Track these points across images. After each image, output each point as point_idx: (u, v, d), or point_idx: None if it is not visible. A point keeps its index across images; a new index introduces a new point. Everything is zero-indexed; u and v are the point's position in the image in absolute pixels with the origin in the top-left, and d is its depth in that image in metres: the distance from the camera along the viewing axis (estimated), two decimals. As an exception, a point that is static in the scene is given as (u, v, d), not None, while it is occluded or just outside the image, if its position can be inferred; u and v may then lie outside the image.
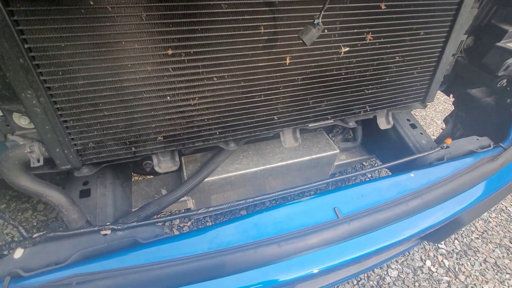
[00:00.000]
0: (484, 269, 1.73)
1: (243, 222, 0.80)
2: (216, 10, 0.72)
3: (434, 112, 3.31)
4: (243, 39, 0.78)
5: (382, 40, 0.95)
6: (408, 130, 1.45)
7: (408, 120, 1.51)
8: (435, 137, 2.24)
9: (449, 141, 1.21)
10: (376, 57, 0.98)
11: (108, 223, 0.79)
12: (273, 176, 1.49)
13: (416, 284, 1.63)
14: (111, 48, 0.69)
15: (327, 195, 0.91)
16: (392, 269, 1.70)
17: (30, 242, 0.75)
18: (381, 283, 1.63)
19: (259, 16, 0.76)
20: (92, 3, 0.62)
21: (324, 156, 1.49)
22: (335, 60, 0.93)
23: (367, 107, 1.10)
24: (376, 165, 2.19)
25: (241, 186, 1.46)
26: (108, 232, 0.79)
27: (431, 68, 1.11)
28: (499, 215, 2.08)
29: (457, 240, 1.89)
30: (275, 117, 0.97)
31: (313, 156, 1.47)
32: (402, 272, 1.69)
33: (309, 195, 0.91)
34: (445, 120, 2.04)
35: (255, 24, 0.77)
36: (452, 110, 1.96)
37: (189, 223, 1.93)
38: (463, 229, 1.96)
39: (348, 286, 1.58)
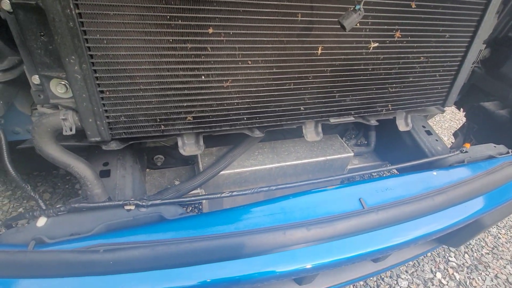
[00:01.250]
0: (495, 284, 1.69)
1: (270, 206, 0.79)
2: (257, -6, 0.74)
3: (441, 129, 3.34)
4: (280, 25, 0.80)
5: (409, 38, 0.97)
6: (424, 136, 1.46)
7: (424, 126, 1.52)
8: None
9: (468, 145, 1.22)
10: (402, 55, 1.00)
11: (132, 199, 0.78)
12: (287, 176, 1.48)
13: (427, 296, 1.59)
14: (155, 22, 0.70)
15: (352, 186, 0.90)
16: (402, 279, 1.66)
17: (54, 212, 0.73)
18: (391, 292, 1.58)
19: (297, 3, 0.79)
20: None
21: (339, 158, 1.49)
22: (364, 55, 0.95)
23: (389, 105, 1.11)
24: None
25: (255, 184, 1.45)
26: (132, 207, 0.77)
27: (452, 72, 1.14)
28: (509, 232, 2.06)
29: (467, 254, 1.86)
30: (302, 108, 0.98)
31: (328, 157, 1.46)
32: (412, 283, 1.65)
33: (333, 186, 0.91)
34: (455, 134, 2.06)
35: (293, 11, 0.79)
36: (459, 126, 1.99)
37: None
38: (473, 243, 1.93)
39: (357, 294, 1.54)
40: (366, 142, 1.76)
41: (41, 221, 0.72)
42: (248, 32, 0.78)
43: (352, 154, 1.51)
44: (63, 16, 0.62)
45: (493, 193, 0.97)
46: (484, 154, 1.18)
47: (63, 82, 0.75)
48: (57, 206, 0.75)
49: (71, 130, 0.75)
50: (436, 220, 0.86)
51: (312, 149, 1.52)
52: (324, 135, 1.64)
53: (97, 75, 0.72)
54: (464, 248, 1.90)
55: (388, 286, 1.61)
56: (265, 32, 0.80)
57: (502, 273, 1.76)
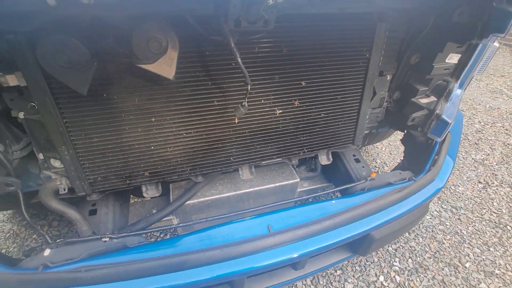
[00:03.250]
0: (431, 285, 1.97)
1: (200, 235, 1.14)
2: (183, 94, 1.12)
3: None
4: (203, 109, 1.18)
5: (307, 104, 1.33)
6: (353, 164, 1.79)
7: (354, 155, 1.85)
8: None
9: (373, 174, 1.55)
10: (305, 115, 1.36)
11: (107, 233, 1.15)
12: (243, 200, 1.82)
13: (368, 296, 1.89)
14: (116, 120, 1.09)
15: (265, 216, 1.25)
16: (349, 282, 1.96)
17: (55, 245, 1.11)
18: (337, 294, 1.88)
19: (212, 95, 1.16)
20: (105, 95, 1.03)
21: (287, 184, 1.83)
22: (273, 118, 1.31)
23: (305, 149, 1.46)
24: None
25: (217, 208, 1.80)
26: (107, 239, 1.14)
27: (353, 120, 1.48)
28: (453, 237, 2.33)
29: (411, 258, 2.15)
30: (231, 158, 1.34)
31: (277, 184, 1.80)
32: (357, 285, 1.95)
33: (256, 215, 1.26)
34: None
35: (209, 99, 1.16)
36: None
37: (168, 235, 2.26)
38: (418, 248, 2.22)
39: (308, 296, 1.85)
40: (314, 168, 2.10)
41: (47, 252, 1.09)
42: (180, 117, 1.16)
43: (298, 180, 1.84)
44: (55, 125, 1.01)
45: (376, 216, 1.30)
46: (384, 182, 1.50)
47: (58, 159, 1.14)
48: (57, 241, 1.13)
49: (64, 190, 1.13)
50: (324, 239, 1.19)
51: (265, 177, 1.86)
52: (277, 164, 1.99)
53: (80, 154, 1.10)
54: (409, 253, 2.19)
55: (335, 289, 1.92)
56: (192, 114, 1.17)
57: (439, 275, 2.04)
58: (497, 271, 2.08)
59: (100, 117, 1.07)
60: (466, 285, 1.98)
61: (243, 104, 1.05)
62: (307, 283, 1.97)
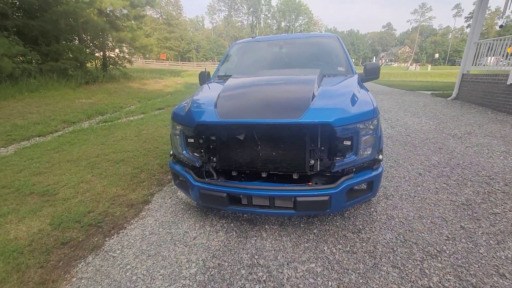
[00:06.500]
0: (335, 261, 3.68)
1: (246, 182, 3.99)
2: (245, 142, 4.14)
3: (409, 204, 4.97)
4: (249, 148, 4.15)
5: (284, 157, 4.04)
6: (313, 182, 4.14)
7: (315, 181, 4.18)
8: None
9: (310, 183, 3.89)
10: (283, 161, 4.05)
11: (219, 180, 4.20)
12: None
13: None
14: (228, 148, 4.23)
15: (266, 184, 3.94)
16: (307, 245, 3.99)
17: (208, 180, 4.23)
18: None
19: (250, 145, 4.12)
20: (226, 141, 4.22)
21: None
22: (272, 156, 4.09)
23: (284, 169, 4.08)
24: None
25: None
26: (218, 180, 4.17)
27: (303, 163, 3.98)
28: (366, 255, 3.83)
29: (336, 248, 3.89)
30: (258, 167, 4.17)
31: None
32: (310, 247, 3.94)
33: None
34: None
35: (251, 146, 4.13)
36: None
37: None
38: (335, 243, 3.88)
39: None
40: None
41: (207, 180, 4.24)
42: (246, 150, 4.17)
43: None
44: (219, 149, 4.25)
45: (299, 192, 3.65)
46: (313, 185, 3.81)
47: (215, 158, 4.38)
48: (210, 178, 4.27)
49: (214, 166, 4.33)
50: (280, 192, 3.71)
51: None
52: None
53: (220, 157, 4.28)
54: (341, 243, 3.93)
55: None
56: (247, 149, 4.16)
57: (344, 262, 3.72)
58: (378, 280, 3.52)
59: (225, 147, 4.23)
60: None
61: (259, 147, 3.97)
62: (289, 229, 4.17)
